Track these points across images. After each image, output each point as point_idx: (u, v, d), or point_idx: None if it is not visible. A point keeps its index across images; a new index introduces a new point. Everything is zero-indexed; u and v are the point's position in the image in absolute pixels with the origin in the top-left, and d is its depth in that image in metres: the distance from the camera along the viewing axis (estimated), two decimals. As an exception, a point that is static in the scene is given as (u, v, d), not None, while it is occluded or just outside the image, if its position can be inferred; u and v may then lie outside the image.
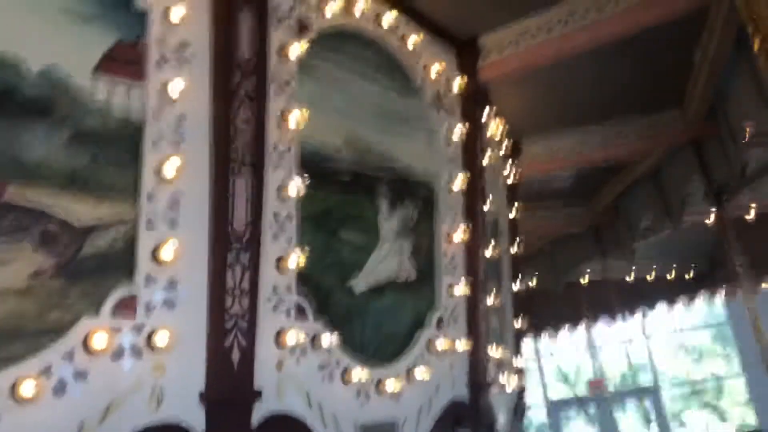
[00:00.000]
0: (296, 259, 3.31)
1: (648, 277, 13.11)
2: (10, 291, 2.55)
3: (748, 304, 7.85)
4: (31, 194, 2.65)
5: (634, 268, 11.60)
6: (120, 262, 2.82)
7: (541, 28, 4.71)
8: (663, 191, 7.73)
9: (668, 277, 13.18)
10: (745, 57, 5.34)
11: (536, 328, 14.00)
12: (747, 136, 6.01)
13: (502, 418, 5.42)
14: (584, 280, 11.83)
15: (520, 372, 6.09)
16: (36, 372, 2.51)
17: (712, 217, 7.73)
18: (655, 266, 12.49)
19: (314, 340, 3.40)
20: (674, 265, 12.74)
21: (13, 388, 2.44)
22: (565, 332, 14.94)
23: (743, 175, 6.45)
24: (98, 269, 2.77)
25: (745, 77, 5.43)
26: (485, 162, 5.09)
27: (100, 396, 2.65)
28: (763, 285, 11.80)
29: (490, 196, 5.57)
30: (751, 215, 9.85)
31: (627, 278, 12.75)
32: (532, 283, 11.31)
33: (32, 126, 2.69)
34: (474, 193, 4.73)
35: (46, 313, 2.63)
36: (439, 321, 4.32)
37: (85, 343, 2.64)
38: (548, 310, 13.58)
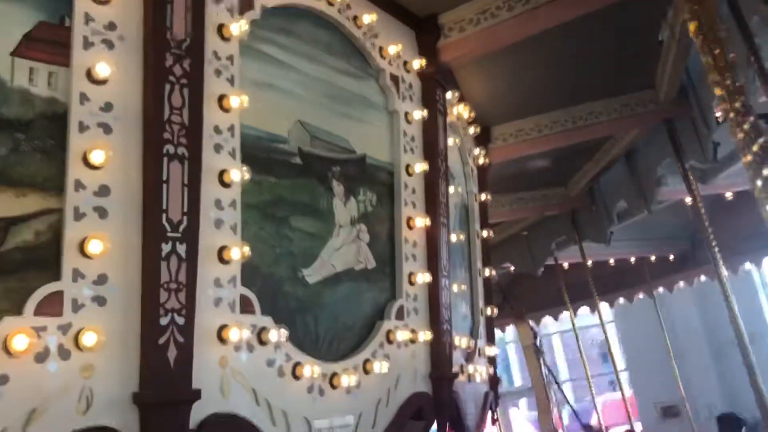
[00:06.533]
0: (239, 249, 3.14)
1: (631, 259, 13.04)
2: None
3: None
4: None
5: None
6: (46, 256, 2.64)
7: (501, 7, 4.52)
8: (637, 173, 7.63)
9: (651, 258, 13.11)
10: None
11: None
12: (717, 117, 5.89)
13: (471, 409, 5.29)
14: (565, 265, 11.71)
15: (491, 360, 5.97)
16: (-50, 377, 2.34)
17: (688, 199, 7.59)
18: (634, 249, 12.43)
19: (261, 334, 3.24)
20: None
21: (-75, 394, 2.28)
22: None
23: (715, 157, 6.32)
24: (23, 264, 2.59)
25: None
26: (450, 145, 4.93)
27: (23, 401, 2.47)
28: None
29: (456, 181, 5.43)
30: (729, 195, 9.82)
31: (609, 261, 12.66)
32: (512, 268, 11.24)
33: None
34: (435, 179, 4.57)
35: (-38, 315, 2.46)
36: (400, 311, 4.18)
37: (5, 346, 2.46)
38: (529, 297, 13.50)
